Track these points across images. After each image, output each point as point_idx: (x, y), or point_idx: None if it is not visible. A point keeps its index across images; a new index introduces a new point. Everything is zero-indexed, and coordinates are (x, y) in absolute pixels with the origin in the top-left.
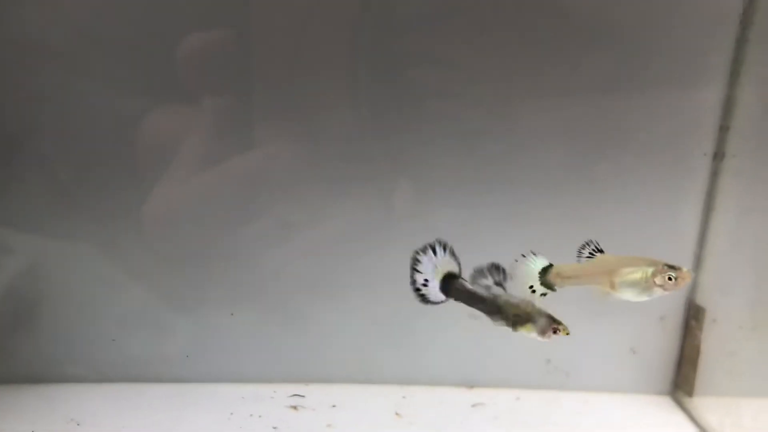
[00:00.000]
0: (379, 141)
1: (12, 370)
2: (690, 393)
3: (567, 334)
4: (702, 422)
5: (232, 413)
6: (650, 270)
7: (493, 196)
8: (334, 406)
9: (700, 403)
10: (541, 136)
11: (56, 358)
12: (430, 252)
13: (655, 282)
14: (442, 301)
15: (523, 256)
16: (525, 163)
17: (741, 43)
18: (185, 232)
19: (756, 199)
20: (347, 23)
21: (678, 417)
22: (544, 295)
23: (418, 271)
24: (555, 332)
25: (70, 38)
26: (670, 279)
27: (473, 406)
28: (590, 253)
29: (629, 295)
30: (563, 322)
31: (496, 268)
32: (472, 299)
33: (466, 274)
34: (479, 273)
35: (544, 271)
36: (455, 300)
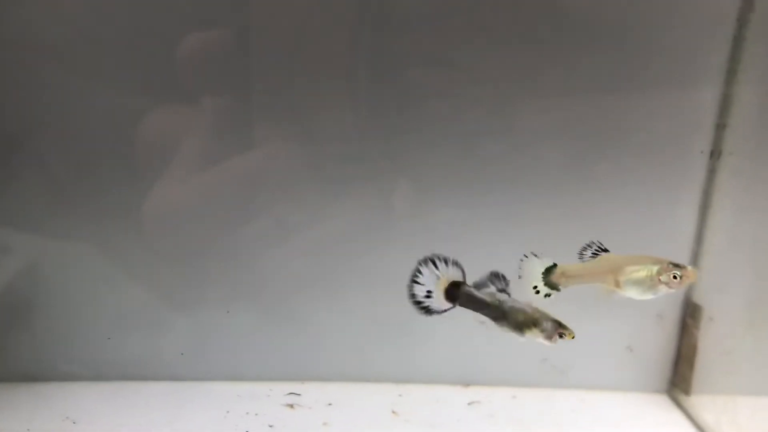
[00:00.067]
0: (378, 141)
1: (8, 368)
2: (687, 391)
3: (573, 338)
4: (699, 420)
5: (228, 411)
6: (655, 268)
7: (492, 196)
8: (330, 404)
9: (697, 401)
10: (540, 135)
11: (52, 356)
12: (431, 264)
13: (660, 280)
14: (445, 310)
15: (526, 256)
16: (524, 162)
17: (738, 41)
18: (184, 231)
19: (753, 196)
20: (347, 23)
21: (675, 415)
22: (548, 295)
23: (419, 283)
24: (561, 336)
25: (70, 38)
26: (675, 277)
27: (469, 404)
28: (594, 252)
29: (634, 294)
30: (568, 326)
31: (496, 276)
32: (478, 305)
33: (469, 278)
34: (481, 283)
35: (548, 272)
36: (461, 306)
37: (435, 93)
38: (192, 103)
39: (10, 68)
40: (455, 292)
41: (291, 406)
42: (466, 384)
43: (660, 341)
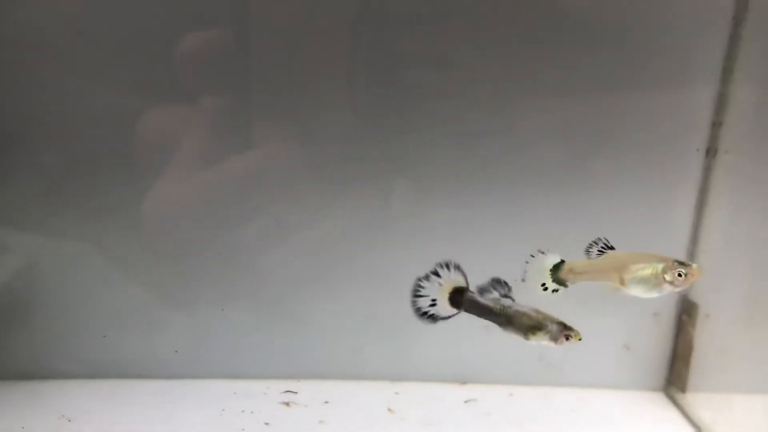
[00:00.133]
0: (377, 141)
1: (4, 366)
2: (683, 389)
3: (579, 339)
4: (695, 418)
5: (224, 409)
6: (660, 266)
7: (491, 196)
8: (326, 402)
9: (693, 399)
10: (539, 135)
11: (48, 354)
12: (433, 275)
13: (665, 278)
14: (450, 316)
15: (532, 256)
16: (523, 162)
17: (734, 40)
18: (183, 231)
19: (749, 194)
20: (346, 23)
21: (671, 413)
22: (555, 291)
23: (422, 296)
24: (567, 338)
25: (68, 37)
26: (680, 275)
27: (466, 402)
28: (599, 250)
29: (639, 292)
30: (574, 326)
31: (498, 282)
32: (483, 311)
33: (470, 278)
34: (484, 288)
35: (556, 268)
36: (466, 312)
37: (435, 93)
38: (191, 102)
39: (9, 68)
40: (459, 299)
41: (287, 404)
42: (463, 382)
43: (656, 339)
